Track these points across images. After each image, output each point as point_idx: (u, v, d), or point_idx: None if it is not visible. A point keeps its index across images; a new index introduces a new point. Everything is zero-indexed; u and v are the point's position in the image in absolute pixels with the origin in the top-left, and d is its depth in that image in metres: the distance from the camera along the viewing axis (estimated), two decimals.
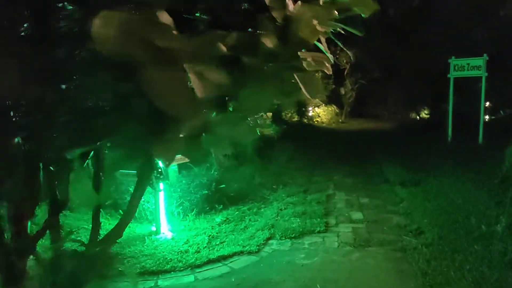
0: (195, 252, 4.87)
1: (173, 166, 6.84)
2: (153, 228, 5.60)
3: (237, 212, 6.41)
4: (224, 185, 6.75)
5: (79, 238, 5.40)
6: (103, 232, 5.63)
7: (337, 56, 24.54)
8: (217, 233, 5.51)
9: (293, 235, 5.25)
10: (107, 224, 5.96)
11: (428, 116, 22.24)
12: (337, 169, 9.43)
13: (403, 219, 5.77)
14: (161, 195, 5.55)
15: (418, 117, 24.02)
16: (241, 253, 4.81)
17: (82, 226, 5.87)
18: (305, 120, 21.08)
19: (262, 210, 6.61)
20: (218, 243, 5.18)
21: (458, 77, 11.70)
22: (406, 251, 4.64)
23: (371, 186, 7.83)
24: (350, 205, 6.63)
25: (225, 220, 6.08)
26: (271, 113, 20.60)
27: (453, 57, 11.62)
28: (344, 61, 24.58)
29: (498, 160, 7.11)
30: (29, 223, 1.62)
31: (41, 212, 1.73)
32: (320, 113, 22.49)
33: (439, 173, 8.02)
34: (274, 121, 19.22)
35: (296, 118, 20.43)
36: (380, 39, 14.75)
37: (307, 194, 7.27)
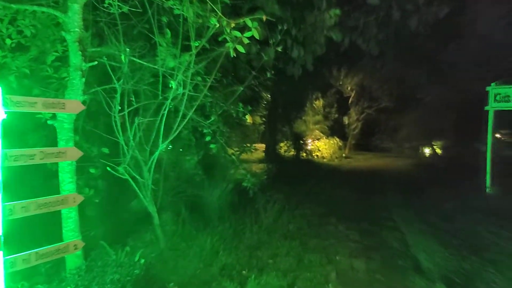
0: None
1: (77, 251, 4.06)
2: None
3: None
4: None
5: None
6: None
7: (340, 83, 22.14)
8: None
9: None
10: None
11: (443, 152, 19.51)
12: (341, 238, 6.59)
13: None
14: None
15: (430, 153, 21.27)
16: None
17: None
18: (303, 155, 18.31)
19: None
20: None
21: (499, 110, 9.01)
22: None
23: (396, 278, 4.98)
24: None
25: None
26: (265, 146, 17.90)
27: (493, 84, 8.95)
28: (348, 88, 22.12)
29: None
30: None
31: None
32: (321, 146, 19.71)
33: (500, 258, 5.20)
34: (266, 156, 16.50)
35: (292, 152, 17.70)
36: (394, 62, 12.20)
37: None
